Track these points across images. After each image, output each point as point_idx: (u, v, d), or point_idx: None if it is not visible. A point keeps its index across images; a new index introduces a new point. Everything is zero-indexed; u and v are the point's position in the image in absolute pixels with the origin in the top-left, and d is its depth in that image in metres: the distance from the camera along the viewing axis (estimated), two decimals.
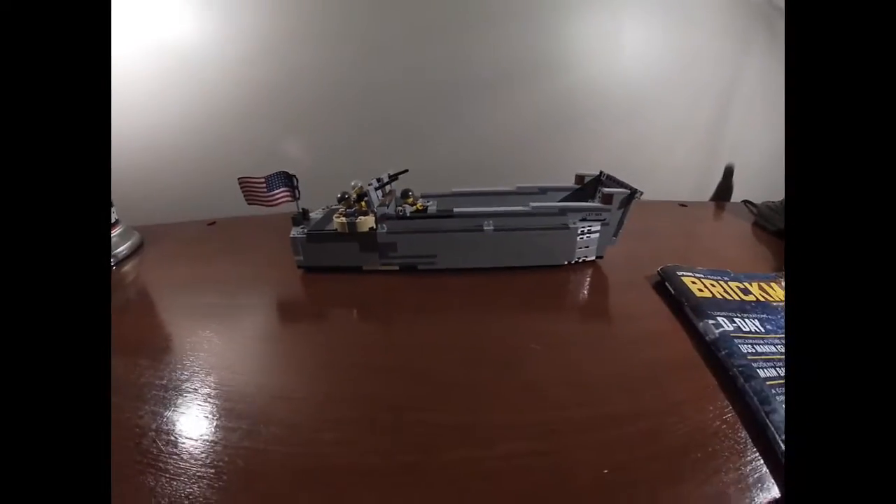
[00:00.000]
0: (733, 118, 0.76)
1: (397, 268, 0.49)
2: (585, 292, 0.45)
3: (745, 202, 0.68)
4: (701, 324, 0.34)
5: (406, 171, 0.54)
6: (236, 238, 0.61)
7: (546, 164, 0.74)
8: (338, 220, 0.47)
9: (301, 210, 0.50)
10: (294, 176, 0.48)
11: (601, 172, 0.53)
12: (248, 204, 0.47)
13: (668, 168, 0.79)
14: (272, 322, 0.41)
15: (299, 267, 0.49)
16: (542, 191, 0.54)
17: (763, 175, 0.78)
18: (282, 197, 0.48)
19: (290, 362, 0.35)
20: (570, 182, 0.56)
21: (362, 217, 0.46)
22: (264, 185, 0.46)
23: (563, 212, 0.46)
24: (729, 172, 0.80)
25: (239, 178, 0.46)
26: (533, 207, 0.46)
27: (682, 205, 0.71)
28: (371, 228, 0.47)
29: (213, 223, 0.66)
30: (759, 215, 0.60)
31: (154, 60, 0.62)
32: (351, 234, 0.47)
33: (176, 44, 0.61)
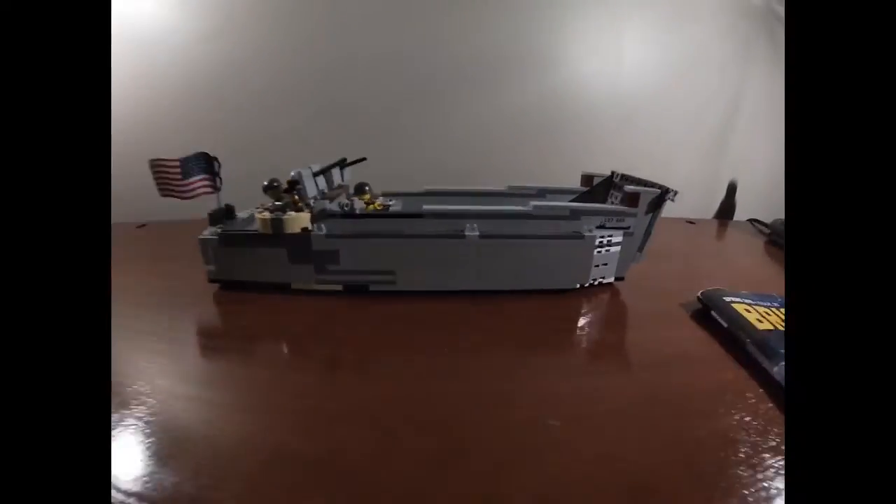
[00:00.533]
0: (735, 135, 0.72)
1: (340, 287, 0.34)
2: (611, 329, 0.32)
3: (752, 221, 0.65)
4: (776, 368, 0.24)
5: (363, 159, 0.41)
6: (162, 243, 0.53)
7: (535, 172, 0.63)
8: (260, 216, 0.32)
9: (224, 206, 0.36)
10: (216, 159, 0.35)
11: (613, 173, 0.41)
12: (162, 195, 0.34)
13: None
14: (168, 358, 0.27)
15: (211, 280, 0.36)
16: (541, 193, 0.42)
17: (765, 193, 0.74)
18: (200, 186, 0.35)
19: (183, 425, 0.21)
20: (572, 183, 0.44)
21: (293, 213, 0.32)
22: (178, 170, 0.33)
23: (575, 214, 0.34)
24: (732, 190, 0.75)
25: (151, 161, 0.33)
26: (535, 207, 0.33)
27: (690, 222, 0.65)
28: (304, 229, 0.32)
29: (143, 226, 0.58)
30: (774, 233, 0.57)
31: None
32: (276, 235, 0.32)
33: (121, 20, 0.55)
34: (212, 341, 0.29)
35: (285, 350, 0.28)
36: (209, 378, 0.25)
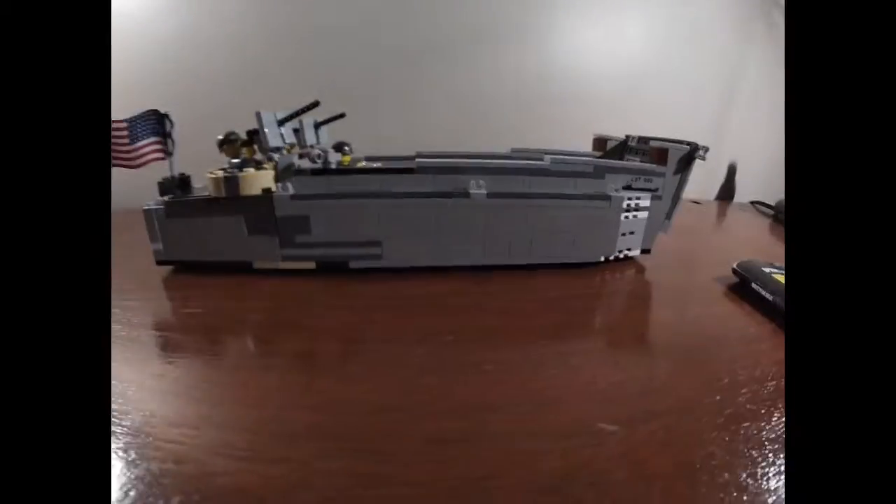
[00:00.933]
0: (733, 117, 0.70)
1: (312, 265, 0.28)
2: (648, 308, 0.27)
3: (754, 202, 0.64)
4: None
5: (342, 115, 0.34)
6: (115, 230, 0.41)
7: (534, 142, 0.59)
8: (211, 176, 0.26)
9: (177, 175, 0.29)
10: (167, 116, 0.29)
11: (628, 136, 0.35)
12: (112, 165, 0.27)
13: None
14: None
15: (159, 262, 0.29)
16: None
17: (764, 176, 0.72)
18: (150, 151, 0.28)
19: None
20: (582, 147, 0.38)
21: (252, 170, 0.26)
22: (125, 132, 0.27)
23: (599, 171, 0.28)
24: (732, 172, 0.73)
25: None
26: (552, 161, 0.28)
27: (695, 202, 0.63)
28: (266, 190, 0.26)
29: None
30: (780, 212, 0.56)
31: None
32: (231, 199, 0.26)
33: None
34: (157, 338, 0.22)
35: (248, 347, 0.22)
36: (145, 385, 0.18)
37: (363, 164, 0.32)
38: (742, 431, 0.15)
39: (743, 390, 0.17)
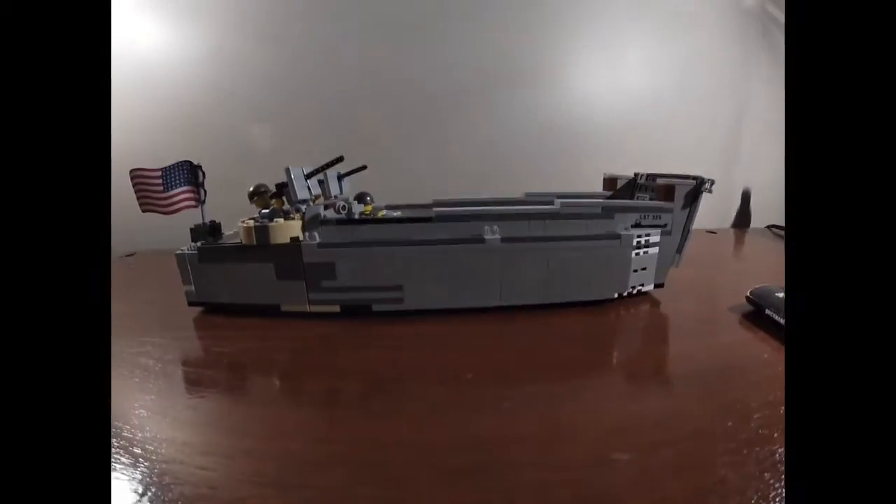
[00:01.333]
0: (744, 142, 0.70)
1: (338, 308, 0.29)
2: (663, 340, 0.27)
3: (770, 227, 0.65)
4: None
5: (363, 167, 0.37)
6: (146, 272, 0.48)
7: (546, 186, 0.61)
8: (243, 225, 0.28)
9: (208, 222, 0.32)
10: (200, 167, 0.32)
11: (637, 174, 0.37)
12: (143, 210, 0.30)
13: None
14: (123, 394, 0.21)
15: (191, 304, 0.31)
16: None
17: (778, 198, 0.71)
18: (182, 199, 0.31)
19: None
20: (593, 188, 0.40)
21: (281, 220, 0.28)
22: (160, 181, 0.30)
23: (607, 212, 0.30)
24: (746, 198, 0.74)
25: (132, 171, 0.29)
26: (562, 205, 0.29)
27: (711, 232, 0.63)
28: (294, 239, 0.28)
29: (132, 255, 0.54)
30: None
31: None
32: (262, 247, 0.28)
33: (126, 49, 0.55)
34: (189, 374, 0.24)
35: (275, 384, 0.23)
36: (179, 417, 0.20)
37: (384, 213, 0.34)
38: (754, 455, 0.15)
39: (756, 415, 0.18)
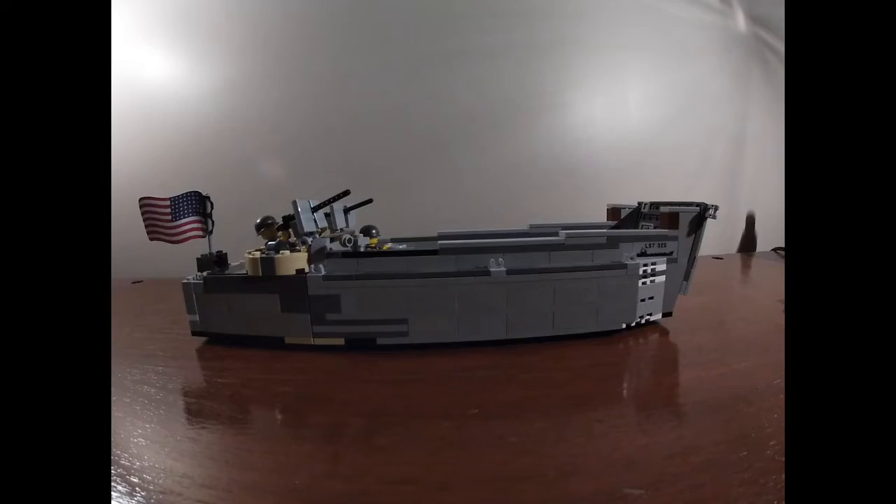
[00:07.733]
0: (745, 166, 0.72)
1: (342, 342, 0.29)
2: (674, 369, 0.27)
3: (776, 249, 0.66)
4: None
5: (369, 201, 0.37)
6: (152, 299, 0.47)
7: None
8: (249, 256, 0.28)
9: (215, 252, 0.32)
10: (208, 198, 0.32)
11: (640, 203, 0.37)
12: (150, 238, 0.31)
13: None
14: (126, 423, 0.21)
15: (195, 333, 0.31)
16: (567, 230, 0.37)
17: (782, 220, 0.72)
18: (190, 229, 0.32)
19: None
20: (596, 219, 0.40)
21: (287, 252, 0.28)
22: (168, 210, 0.30)
23: (612, 241, 0.30)
24: (751, 222, 0.74)
25: (140, 200, 0.30)
26: (567, 236, 0.29)
27: (717, 258, 0.64)
28: (299, 271, 0.28)
29: (139, 282, 0.55)
30: None
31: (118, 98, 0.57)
32: (267, 278, 0.28)
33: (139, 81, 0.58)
34: (191, 404, 0.23)
35: (277, 417, 0.22)
36: (179, 447, 0.19)
37: (389, 246, 0.34)
38: (771, 484, 0.15)
39: (771, 442, 0.17)
